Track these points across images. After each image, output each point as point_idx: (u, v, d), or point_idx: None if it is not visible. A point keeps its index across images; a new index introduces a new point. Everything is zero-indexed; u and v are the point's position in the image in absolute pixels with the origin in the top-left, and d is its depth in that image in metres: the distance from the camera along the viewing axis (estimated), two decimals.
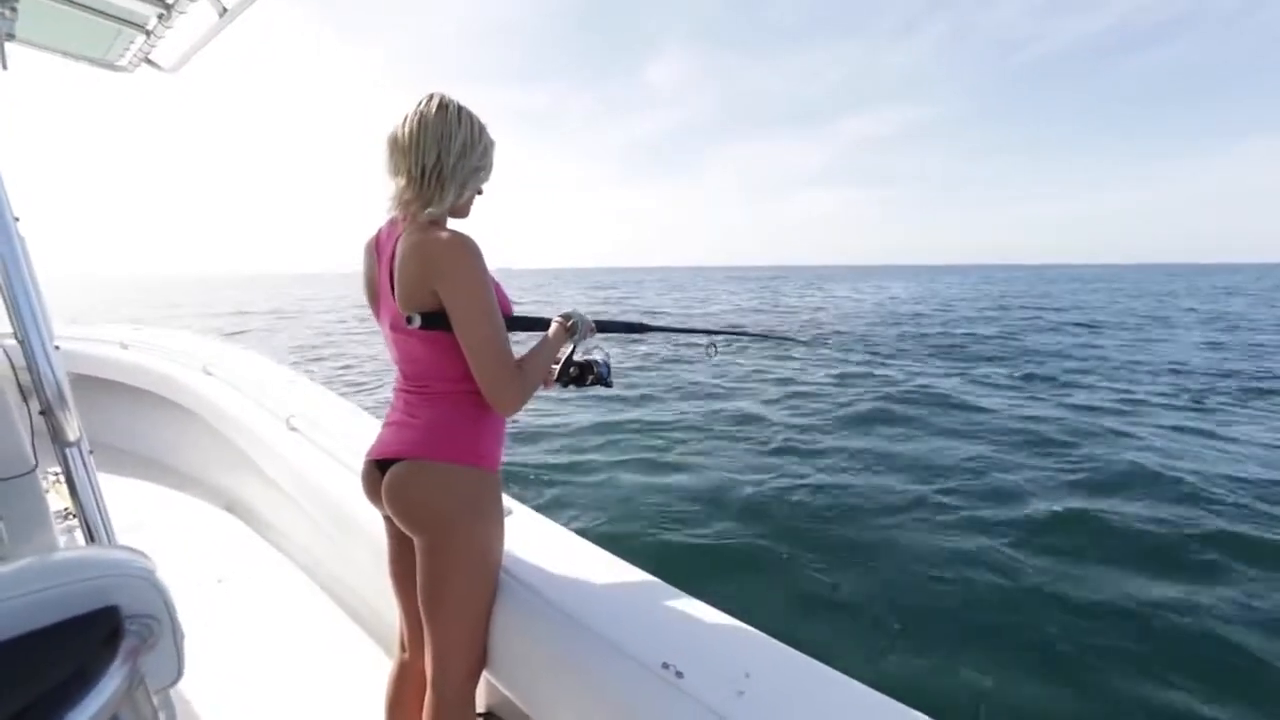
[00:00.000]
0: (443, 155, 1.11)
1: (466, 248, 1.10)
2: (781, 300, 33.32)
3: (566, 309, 1.35)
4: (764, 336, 2.08)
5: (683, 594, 1.22)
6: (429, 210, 1.13)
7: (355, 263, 1.32)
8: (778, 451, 5.68)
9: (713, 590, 1.28)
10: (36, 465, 1.33)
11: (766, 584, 3.35)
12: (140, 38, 1.75)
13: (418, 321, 1.13)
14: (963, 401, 7.54)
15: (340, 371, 10.71)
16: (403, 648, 1.40)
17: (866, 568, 3.48)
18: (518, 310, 1.30)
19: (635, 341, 12.59)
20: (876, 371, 9.55)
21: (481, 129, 1.17)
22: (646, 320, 1.61)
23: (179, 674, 0.58)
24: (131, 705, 0.47)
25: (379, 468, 1.23)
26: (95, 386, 3.83)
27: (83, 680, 0.42)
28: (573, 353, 1.37)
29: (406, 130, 1.11)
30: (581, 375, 1.39)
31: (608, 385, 1.41)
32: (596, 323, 1.40)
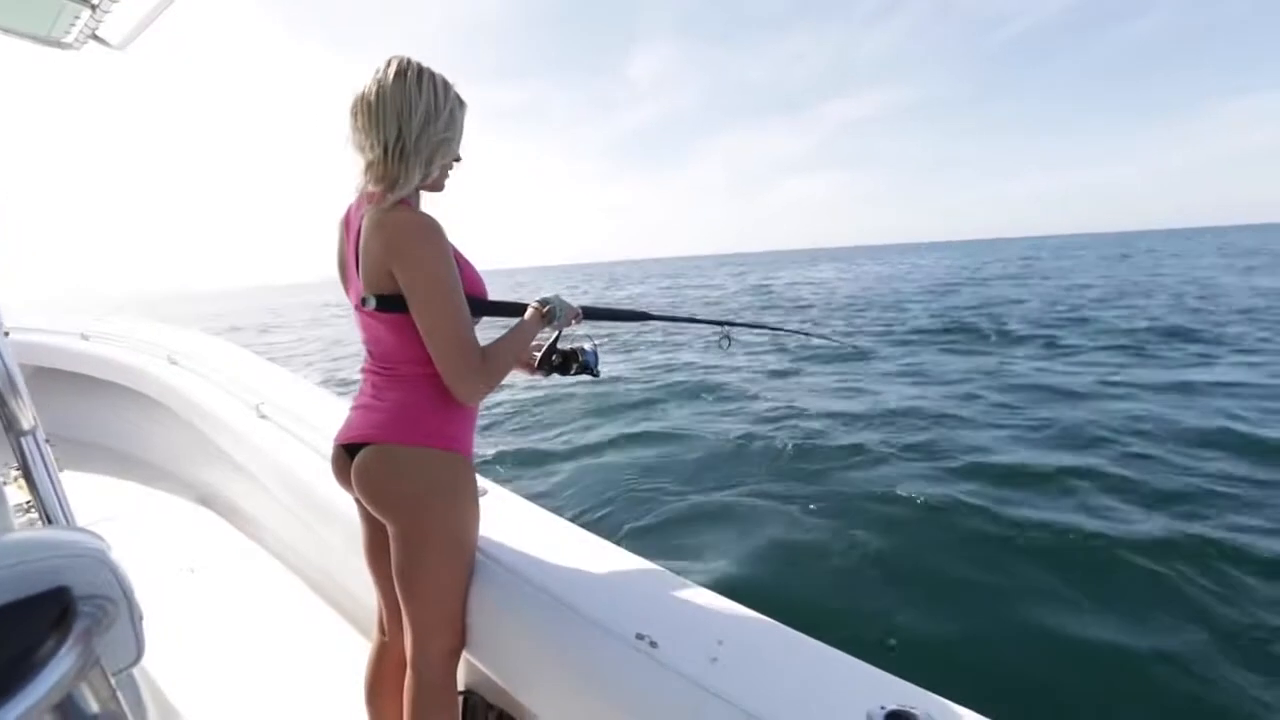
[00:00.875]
0: (404, 129, 1.05)
1: (425, 228, 1.06)
2: (770, 283, 33.15)
3: (548, 294, 1.31)
4: (779, 330, 2.07)
5: (655, 566, 1.24)
6: (396, 189, 1.09)
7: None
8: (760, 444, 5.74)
9: (683, 560, 1.29)
10: None
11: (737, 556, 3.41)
12: (85, 11, 1.67)
13: (372, 303, 1.11)
14: (933, 370, 7.72)
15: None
16: (382, 630, 1.40)
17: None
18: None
19: (612, 332, 12.43)
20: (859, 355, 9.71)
21: (445, 91, 1.10)
22: (646, 309, 1.53)
23: (139, 654, 0.57)
24: (88, 686, 0.46)
25: (347, 452, 1.21)
26: (55, 379, 3.70)
27: (31, 662, 0.42)
28: (556, 340, 1.33)
29: (365, 103, 1.06)
30: (565, 364, 1.36)
31: (594, 375, 1.38)
32: (584, 309, 1.36)
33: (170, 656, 1.79)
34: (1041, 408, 6.03)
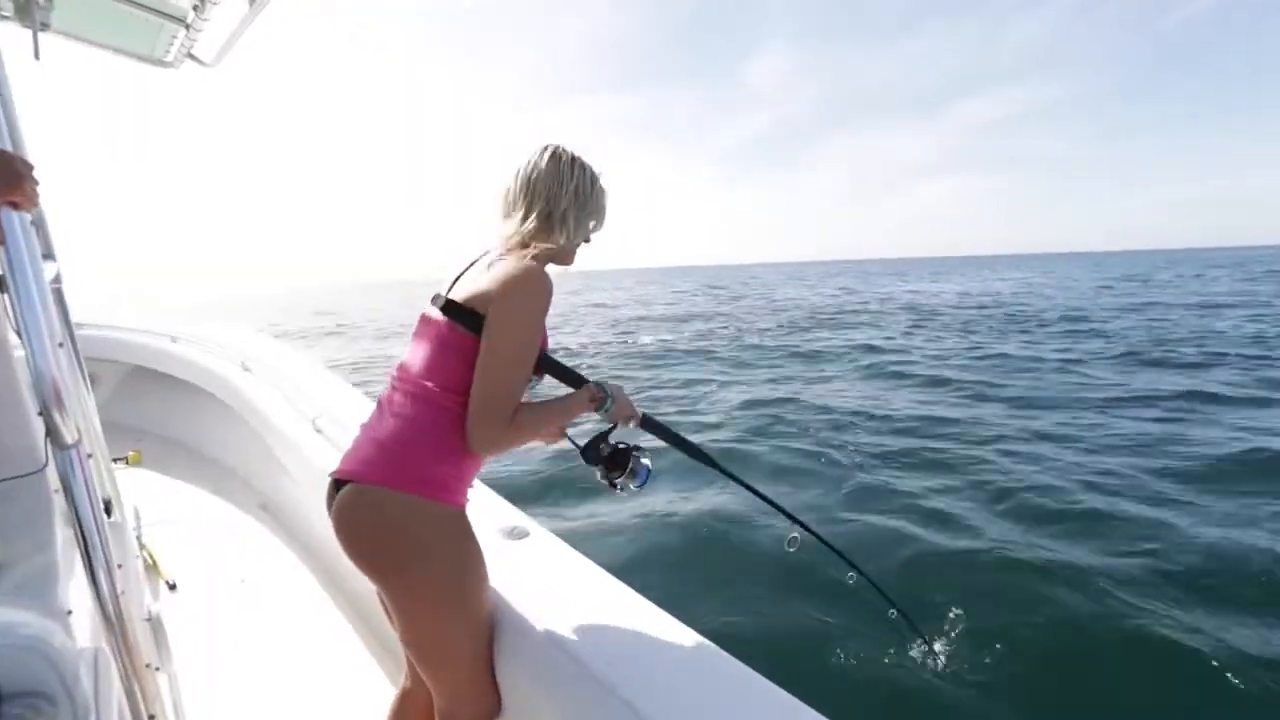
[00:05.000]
0: (552, 200, 1.12)
1: (540, 285, 1.07)
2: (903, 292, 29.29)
3: (609, 382, 1.19)
4: (860, 573, 1.48)
5: (712, 645, 1.07)
6: (531, 248, 1.12)
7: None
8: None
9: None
10: (46, 464, 1.29)
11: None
12: (181, 31, 1.74)
13: (441, 301, 1.10)
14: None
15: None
16: (407, 675, 1.31)
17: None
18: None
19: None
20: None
21: (594, 179, 1.17)
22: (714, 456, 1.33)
23: None
24: None
25: (337, 488, 1.11)
26: (148, 378, 3.94)
27: None
28: (609, 432, 1.22)
29: (520, 178, 1.14)
30: (613, 461, 1.20)
31: (631, 490, 1.21)
32: (644, 417, 1.25)
33: (201, 668, 1.78)
34: None
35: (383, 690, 1.76)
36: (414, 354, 1.15)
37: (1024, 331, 14.64)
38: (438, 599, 1.06)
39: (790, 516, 1.39)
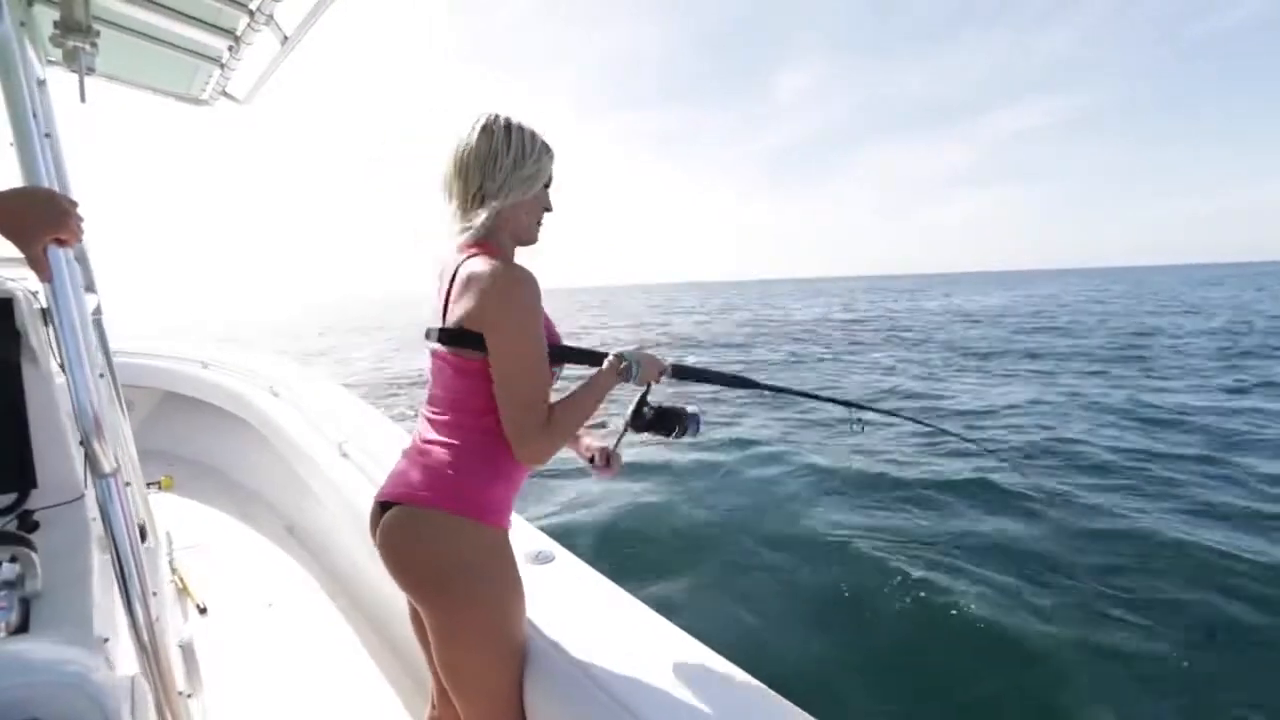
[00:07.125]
0: (486, 180, 1.08)
1: (518, 281, 1.04)
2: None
3: (628, 349, 1.20)
4: (928, 426, 1.78)
5: (747, 675, 1.04)
6: (474, 233, 1.09)
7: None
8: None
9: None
10: (85, 492, 1.32)
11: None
12: (216, 70, 1.81)
13: (435, 336, 1.09)
14: None
15: None
16: (433, 705, 1.29)
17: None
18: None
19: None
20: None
21: (531, 141, 1.11)
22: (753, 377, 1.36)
23: None
24: None
25: (383, 510, 1.12)
26: (180, 403, 4.03)
27: None
28: (645, 395, 1.23)
29: (453, 157, 1.10)
30: (659, 422, 1.22)
31: (692, 437, 1.24)
32: (674, 366, 1.25)
33: (225, 694, 1.79)
34: None
35: (406, 718, 1.75)
36: (435, 386, 1.16)
37: None
38: (481, 621, 1.05)
39: (846, 404, 1.44)
